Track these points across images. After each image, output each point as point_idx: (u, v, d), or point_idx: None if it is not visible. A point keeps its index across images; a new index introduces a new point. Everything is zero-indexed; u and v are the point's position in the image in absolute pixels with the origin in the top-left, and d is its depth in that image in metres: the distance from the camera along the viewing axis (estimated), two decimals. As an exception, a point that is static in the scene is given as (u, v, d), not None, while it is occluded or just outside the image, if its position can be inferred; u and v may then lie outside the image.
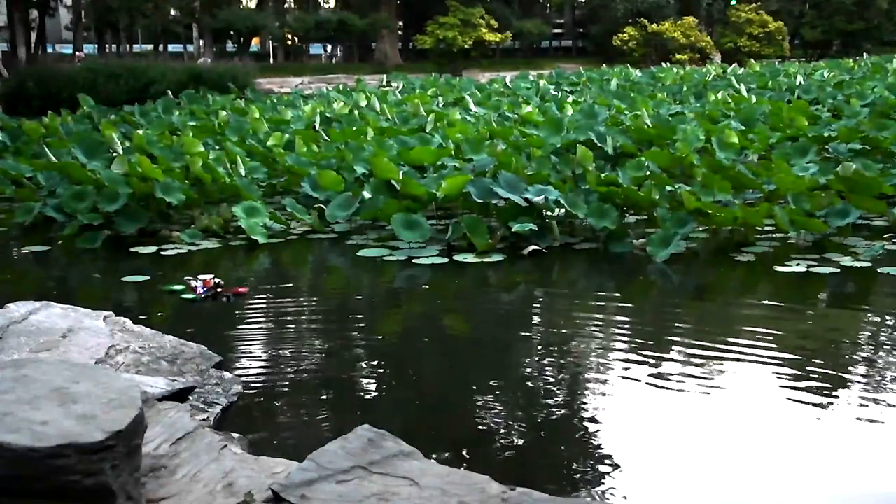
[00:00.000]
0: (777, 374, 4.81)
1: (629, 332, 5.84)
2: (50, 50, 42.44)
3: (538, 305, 6.74)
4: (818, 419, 4.19)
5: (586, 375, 4.92)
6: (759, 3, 47.73)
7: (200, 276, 6.59)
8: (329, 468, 2.12)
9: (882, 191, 8.60)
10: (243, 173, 10.45)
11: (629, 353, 5.31)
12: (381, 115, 16.56)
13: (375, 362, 5.36)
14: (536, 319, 6.41)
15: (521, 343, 5.74)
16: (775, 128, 13.08)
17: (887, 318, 6.01)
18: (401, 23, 50.29)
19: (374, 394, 4.80)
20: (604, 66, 35.64)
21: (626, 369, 4.99)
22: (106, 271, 7.85)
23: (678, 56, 42.62)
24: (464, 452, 3.88)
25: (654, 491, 3.53)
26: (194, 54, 46.28)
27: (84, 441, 1.92)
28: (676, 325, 5.98)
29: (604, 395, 4.61)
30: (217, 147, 12.32)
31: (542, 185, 8.37)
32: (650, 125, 12.89)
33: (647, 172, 9.43)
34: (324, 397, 4.69)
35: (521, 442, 4.01)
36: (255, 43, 47.77)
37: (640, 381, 4.78)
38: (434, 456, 3.74)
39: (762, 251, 7.67)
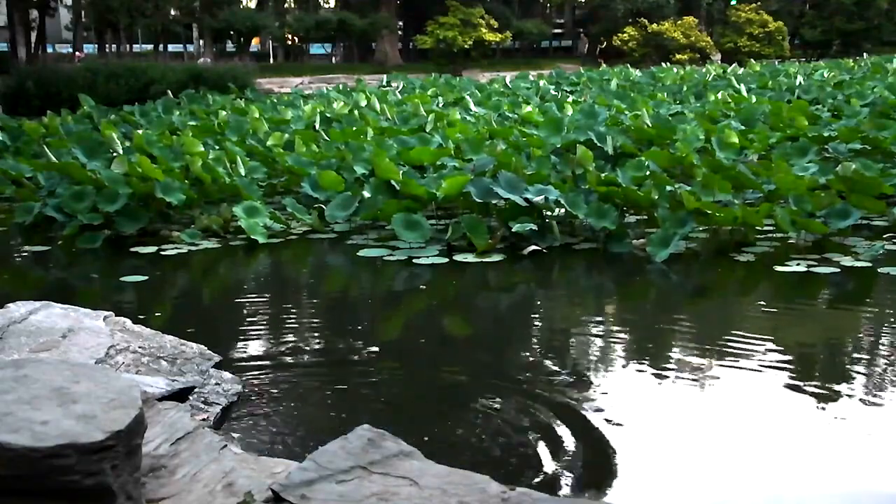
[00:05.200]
0: (777, 373, 4.81)
1: (629, 332, 5.84)
2: (50, 50, 42.38)
3: (538, 305, 6.74)
4: (818, 419, 4.19)
5: (586, 375, 4.92)
6: (759, 3, 47.72)
7: None
8: (329, 468, 2.12)
9: (882, 191, 8.60)
10: (243, 173, 10.45)
11: (628, 352, 5.32)
12: (381, 115, 16.54)
13: (375, 362, 5.36)
14: (536, 319, 6.41)
15: (521, 343, 5.74)
16: (775, 128, 13.08)
17: (887, 318, 6.01)
18: (401, 23, 50.27)
19: (374, 393, 4.80)
20: (603, 65, 35.66)
21: (625, 369, 5.00)
22: (106, 271, 7.85)
23: (678, 56, 42.62)
24: (464, 452, 3.88)
25: (654, 491, 3.53)
26: (194, 54, 46.29)
27: (84, 441, 1.92)
28: (676, 325, 5.98)
29: (603, 395, 4.61)
30: (217, 147, 12.31)
31: (542, 185, 8.36)
32: (650, 125, 12.87)
33: (647, 172, 9.42)
34: (324, 397, 4.70)
35: (521, 442, 4.00)
36: (255, 43, 47.75)
37: (639, 380, 4.79)
38: (434, 456, 3.74)
39: (762, 251, 7.67)
